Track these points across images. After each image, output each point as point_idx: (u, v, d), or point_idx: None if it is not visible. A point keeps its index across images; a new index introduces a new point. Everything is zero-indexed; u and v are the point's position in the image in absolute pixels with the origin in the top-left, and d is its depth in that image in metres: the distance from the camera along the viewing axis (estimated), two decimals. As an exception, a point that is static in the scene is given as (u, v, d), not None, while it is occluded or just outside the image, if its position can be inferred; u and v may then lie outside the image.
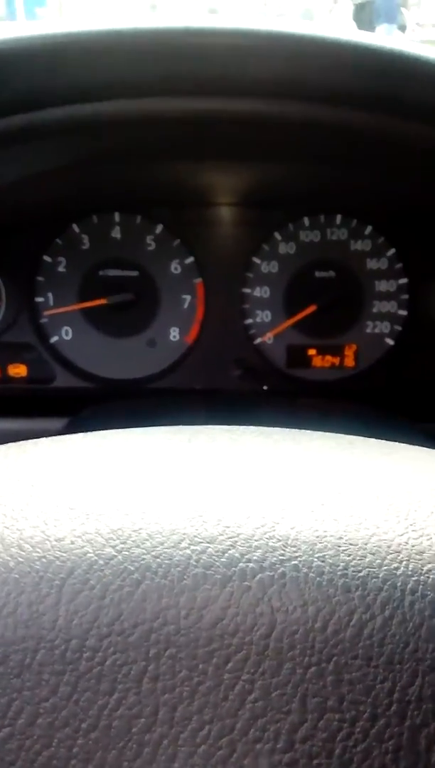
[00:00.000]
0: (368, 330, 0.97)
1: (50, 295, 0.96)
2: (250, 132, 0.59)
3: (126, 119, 0.53)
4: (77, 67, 0.50)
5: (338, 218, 0.95)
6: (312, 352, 0.98)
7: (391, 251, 0.95)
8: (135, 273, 0.96)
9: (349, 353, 0.98)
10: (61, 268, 0.96)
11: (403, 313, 0.97)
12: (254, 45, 0.50)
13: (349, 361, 0.98)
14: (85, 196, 0.90)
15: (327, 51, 0.50)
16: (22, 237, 0.94)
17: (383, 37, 0.52)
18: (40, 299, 0.96)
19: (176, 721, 0.24)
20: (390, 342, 0.97)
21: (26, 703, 0.25)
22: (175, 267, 0.96)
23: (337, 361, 0.98)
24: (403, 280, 0.96)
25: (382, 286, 0.96)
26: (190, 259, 0.96)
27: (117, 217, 0.95)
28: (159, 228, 0.95)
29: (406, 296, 0.96)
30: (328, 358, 0.98)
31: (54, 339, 0.98)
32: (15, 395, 0.98)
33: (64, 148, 0.61)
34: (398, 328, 0.97)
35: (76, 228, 0.95)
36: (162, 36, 0.50)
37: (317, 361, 0.98)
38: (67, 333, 0.98)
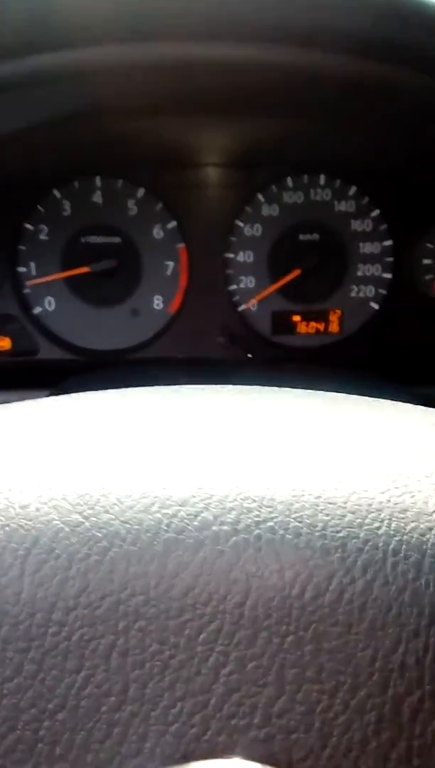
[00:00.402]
0: (353, 294, 0.96)
1: (32, 264, 0.95)
2: (234, 83, 0.57)
3: (106, 67, 0.51)
4: (55, 12, 0.48)
5: (322, 178, 0.93)
6: (296, 318, 0.97)
7: (376, 212, 0.94)
8: (117, 239, 0.95)
9: (334, 318, 0.97)
10: (42, 236, 0.94)
11: (388, 276, 0.96)
12: None
13: (334, 327, 0.97)
14: (65, 158, 0.88)
15: None
16: (2, 205, 0.92)
17: None
18: (22, 269, 0.95)
19: (147, 699, 0.23)
20: (375, 306, 0.96)
21: None
22: (157, 232, 0.95)
23: (321, 326, 0.97)
24: (388, 242, 0.95)
25: (367, 248, 0.95)
26: (172, 224, 0.95)
27: (98, 181, 0.93)
28: (141, 191, 0.94)
29: (390, 259, 0.95)
30: (313, 324, 0.97)
31: (37, 310, 0.96)
32: None
33: (42, 101, 0.59)
34: (383, 291, 0.96)
35: (57, 194, 0.93)
36: None
37: (302, 328, 0.97)
38: (50, 303, 0.96)
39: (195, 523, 0.25)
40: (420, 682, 0.23)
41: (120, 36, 0.48)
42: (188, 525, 0.25)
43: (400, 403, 0.35)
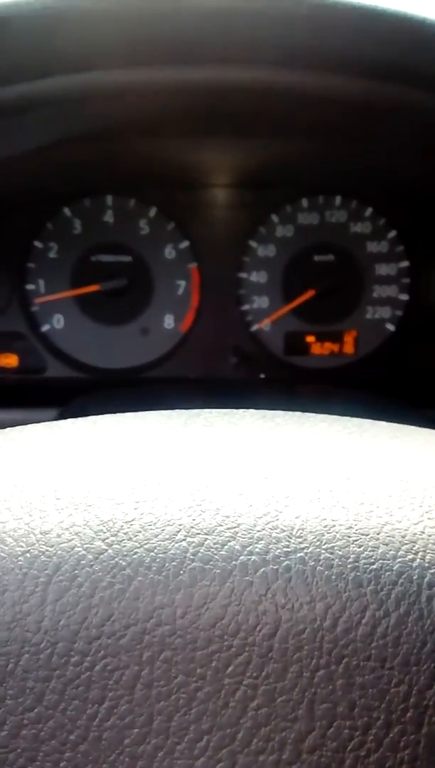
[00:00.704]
0: (368, 315, 0.96)
1: (41, 281, 0.95)
2: (247, 105, 0.57)
3: (118, 90, 0.52)
4: (69, 36, 0.48)
5: (338, 199, 0.93)
6: (310, 338, 0.97)
7: (392, 233, 0.94)
8: (128, 258, 0.95)
9: (349, 340, 0.96)
10: (52, 254, 0.94)
11: (405, 297, 0.96)
12: (252, 9, 0.48)
13: (349, 348, 0.97)
14: (76, 178, 0.88)
15: (328, 15, 0.48)
16: (12, 222, 0.93)
17: (390, 1, 0.50)
18: (30, 286, 0.95)
19: (172, 732, 0.23)
20: (391, 328, 0.96)
21: (9, 714, 0.23)
22: (169, 252, 0.95)
23: (336, 348, 0.97)
24: (405, 264, 0.95)
25: (383, 269, 0.95)
26: (184, 244, 0.95)
27: (109, 200, 0.94)
28: (153, 211, 0.94)
29: (407, 280, 0.95)
30: (327, 344, 0.97)
31: (45, 327, 0.96)
32: (5, 385, 0.97)
33: (55, 122, 0.59)
34: (399, 313, 0.96)
35: (67, 212, 0.94)
36: (155, 2, 0.47)
37: (316, 348, 0.97)
38: (58, 321, 0.96)
39: (222, 552, 0.24)
40: None
41: (134, 60, 0.49)
42: (215, 554, 0.24)
43: (427, 429, 0.35)
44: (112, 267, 0.94)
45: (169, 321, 0.97)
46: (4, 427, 0.36)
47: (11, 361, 0.96)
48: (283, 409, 0.39)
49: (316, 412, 0.38)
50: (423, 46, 0.49)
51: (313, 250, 0.94)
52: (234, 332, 0.96)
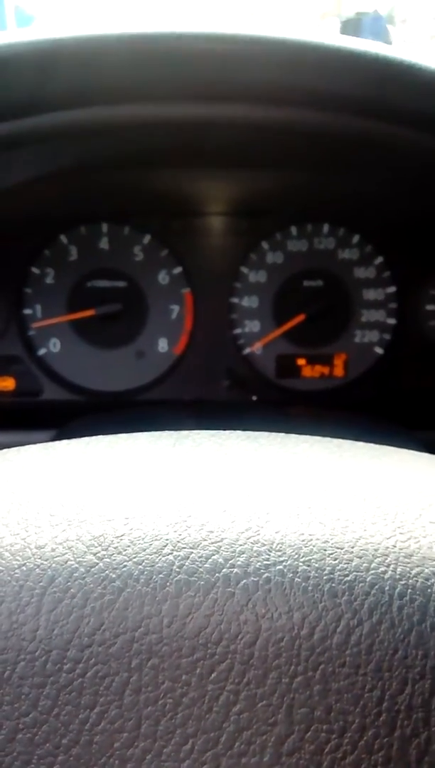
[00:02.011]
0: (357, 339, 0.98)
1: (38, 306, 0.96)
2: (238, 139, 0.59)
3: (114, 125, 0.53)
4: (65, 73, 0.50)
5: (326, 227, 0.95)
6: (301, 361, 0.98)
7: (379, 259, 0.96)
8: (123, 283, 0.96)
9: (339, 363, 0.98)
10: (49, 280, 0.96)
11: (392, 321, 0.97)
12: (244, 50, 0.50)
13: (339, 371, 0.98)
14: (73, 206, 0.90)
15: (316, 56, 0.50)
16: (10, 249, 0.94)
17: (372, 43, 0.52)
18: (28, 311, 0.96)
19: (159, 735, 0.24)
20: (379, 351, 0.98)
21: (5, 719, 0.24)
22: (163, 277, 0.97)
23: (326, 370, 0.98)
24: (392, 289, 0.97)
25: (371, 294, 0.97)
26: (178, 269, 0.96)
27: (105, 227, 0.95)
28: (147, 238, 0.96)
29: (394, 305, 0.97)
30: (318, 367, 0.98)
31: (42, 351, 0.97)
32: (2, 408, 0.97)
33: (50, 155, 0.61)
34: (387, 337, 0.97)
35: (64, 239, 0.95)
36: (150, 41, 0.50)
37: (307, 371, 0.98)
38: (55, 345, 0.97)
39: (206, 565, 0.26)
40: (426, 723, 0.24)
41: (130, 97, 0.51)
42: (199, 567, 0.26)
43: (405, 450, 0.36)
44: (107, 292, 0.96)
45: (163, 344, 0.98)
46: (2, 448, 0.37)
47: (8, 384, 0.97)
48: (274, 431, 0.40)
49: (305, 434, 0.40)
50: (403, 85, 0.51)
51: (303, 275, 0.96)
52: (226, 355, 0.98)
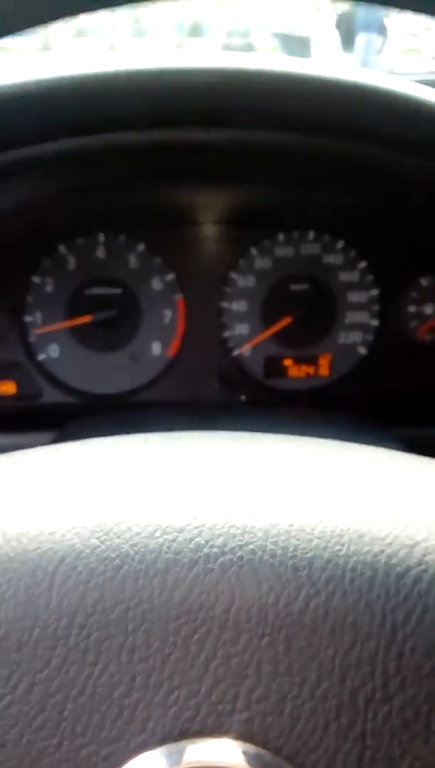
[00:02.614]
0: (342, 340, 1.01)
1: (38, 313, 0.99)
2: (228, 159, 0.64)
3: (108, 150, 0.58)
4: (70, 107, 0.54)
5: (311, 234, 0.99)
6: (288, 362, 1.02)
7: (363, 264, 0.99)
8: (118, 290, 0.99)
9: (324, 363, 1.02)
10: (48, 288, 0.99)
11: (375, 323, 1.01)
12: (232, 83, 0.54)
13: (324, 371, 1.02)
14: (71, 219, 0.93)
15: (296, 86, 0.55)
16: (11, 259, 0.97)
17: (346, 70, 0.56)
18: (28, 318, 1.00)
19: (150, 687, 0.28)
20: (363, 351, 1.01)
21: (24, 674, 0.28)
22: (156, 284, 1.00)
23: (312, 370, 1.02)
24: (375, 292, 1.00)
25: (355, 297, 1.00)
26: (170, 276, 1.00)
27: (101, 237, 0.98)
28: (141, 247, 0.99)
29: (377, 307, 1.00)
30: (304, 367, 1.02)
31: (42, 356, 1.00)
32: (3, 411, 1.01)
33: (49, 178, 0.66)
34: (370, 338, 1.01)
35: (62, 249, 0.98)
36: (141, 76, 0.54)
37: (293, 371, 1.02)
38: (54, 350, 1.00)
39: (190, 546, 0.30)
40: (372, 676, 0.28)
41: (125, 125, 0.55)
42: (184, 548, 0.30)
43: (368, 447, 0.41)
44: (103, 299, 0.99)
45: (156, 348, 1.01)
46: (4, 450, 0.42)
47: (9, 388, 1.00)
48: (260, 430, 0.45)
49: (286, 433, 0.44)
50: (374, 109, 0.55)
51: (290, 280, 0.99)
52: (217, 357, 1.01)
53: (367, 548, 0.30)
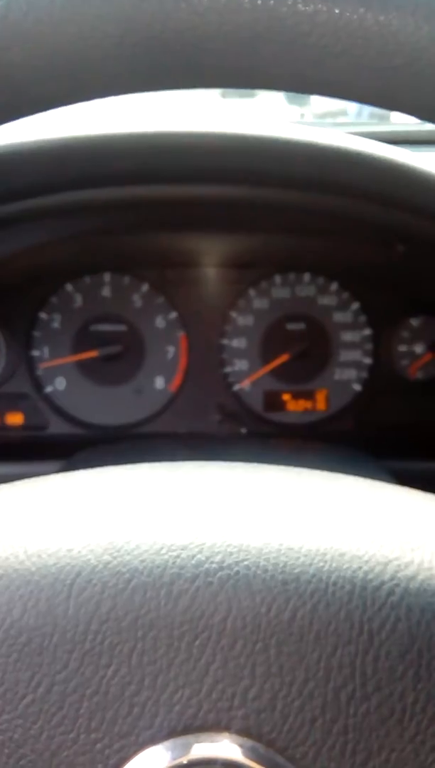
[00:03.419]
0: (337, 376, 1.05)
1: (45, 348, 1.03)
2: (230, 210, 0.68)
3: (116, 202, 0.62)
4: (77, 163, 0.59)
5: (307, 276, 1.03)
6: (286, 396, 1.05)
7: (356, 305, 1.03)
8: (123, 327, 1.03)
9: (321, 398, 1.05)
10: (55, 324, 1.03)
11: (368, 361, 1.04)
12: (226, 145, 0.59)
13: (321, 405, 1.05)
14: (78, 262, 0.97)
15: (282, 148, 0.60)
16: (20, 296, 1.01)
17: (326, 133, 0.61)
18: (36, 353, 1.03)
19: (157, 687, 0.31)
20: (357, 387, 1.05)
21: (45, 676, 0.31)
22: (159, 322, 1.04)
23: (309, 405, 1.05)
24: (367, 331, 1.04)
25: (348, 336, 1.04)
26: (173, 315, 1.04)
27: (107, 277, 1.02)
28: (145, 287, 1.03)
29: (370, 346, 1.04)
30: (302, 402, 1.05)
31: (48, 389, 1.04)
32: (11, 442, 1.03)
33: (60, 225, 0.70)
34: (364, 374, 1.05)
35: (69, 287, 1.02)
36: (147, 139, 0.59)
37: (292, 405, 1.05)
38: (60, 383, 1.04)
39: (192, 562, 0.34)
40: (352, 677, 0.31)
41: (128, 180, 0.60)
42: (187, 563, 0.33)
43: (355, 477, 0.45)
44: (108, 335, 1.03)
45: (160, 382, 1.05)
46: (13, 480, 0.45)
47: (17, 419, 1.04)
48: (258, 461, 0.49)
49: (282, 464, 0.48)
50: (351, 168, 0.60)
51: (286, 319, 1.04)
52: (218, 391, 1.05)
53: (347, 565, 0.34)
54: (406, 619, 0.32)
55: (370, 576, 0.33)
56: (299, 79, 0.27)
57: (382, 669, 0.31)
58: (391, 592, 0.33)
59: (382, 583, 0.33)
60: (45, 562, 0.34)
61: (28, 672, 0.32)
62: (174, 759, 0.31)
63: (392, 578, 0.33)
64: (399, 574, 0.33)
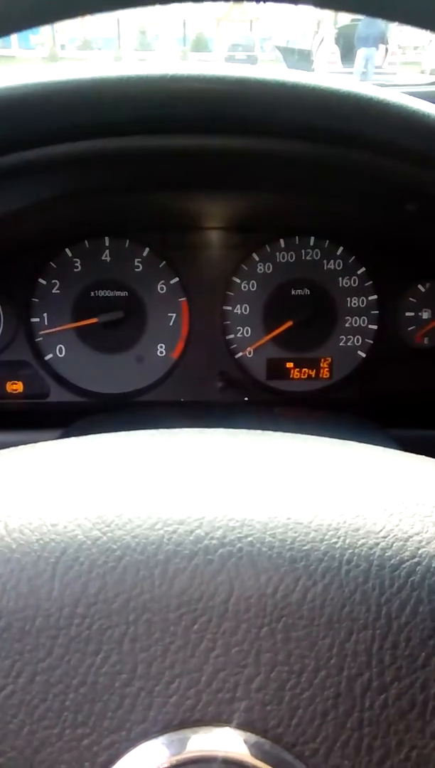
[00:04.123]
0: (341, 343, 1.03)
1: (45, 315, 1.01)
2: (231, 167, 0.65)
3: (116, 155, 0.59)
4: (73, 110, 0.55)
5: (311, 240, 1.00)
6: (290, 364, 1.03)
7: (361, 270, 1.01)
8: (124, 293, 1.02)
9: (325, 365, 1.03)
10: (55, 290, 1.01)
11: (373, 327, 1.02)
12: (236, 91, 0.55)
13: (325, 373, 1.04)
14: (77, 224, 0.95)
15: (292, 94, 0.56)
16: (19, 262, 0.99)
17: (344, 81, 0.58)
18: (35, 320, 1.02)
19: (152, 676, 0.29)
20: (362, 354, 1.03)
21: (26, 664, 0.29)
22: (161, 287, 1.02)
23: (313, 372, 1.04)
24: (373, 297, 1.02)
25: (353, 302, 1.02)
26: (175, 280, 1.02)
27: (107, 241, 1.00)
28: (146, 251, 1.01)
29: (375, 312, 1.02)
30: (305, 370, 1.04)
31: (48, 356, 1.02)
32: (12, 410, 1.03)
33: (57, 181, 0.67)
34: (369, 341, 1.03)
35: (68, 252, 1.00)
36: (148, 82, 0.55)
37: (295, 373, 1.04)
38: (60, 351, 1.03)
39: (190, 537, 0.31)
40: (368, 665, 0.29)
41: (128, 130, 0.56)
42: (185, 539, 0.31)
43: (364, 445, 0.42)
44: (109, 301, 1.01)
45: (161, 349, 1.03)
46: (12, 446, 0.43)
47: (17, 387, 1.03)
48: (261, 429, 0.46)
49: (286, 432, 0.45)
50: (368, 117, 0.56)
51: (291, 285, 1.01)
52: (220, 359, 1.03)
53: (362, 541, 0.31)
54: (429, 601, 0.29)
55: (389, 553, 0.30)
56: None
57: (402, 657, 0.29)
58: (411, 572, 0.30)
59: (402, 561, 0.30)
60: (27, 539, 0.31)
61: (7, 660, 0.29)
62: (169, 756, 0.28)
63: (413, 556, 0.30)
64: (420, 551, 0.30)
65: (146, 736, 0.29)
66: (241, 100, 0.55)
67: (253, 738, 0.29)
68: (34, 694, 0.29)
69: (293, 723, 0.29)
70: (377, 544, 0.31)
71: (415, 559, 0.30)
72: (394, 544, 0.31)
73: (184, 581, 0.30)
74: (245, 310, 1.03)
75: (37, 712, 0.29)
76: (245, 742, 0.29)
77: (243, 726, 0.29)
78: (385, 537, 0.31)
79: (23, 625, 0.29)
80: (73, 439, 0.41)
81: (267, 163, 0.63)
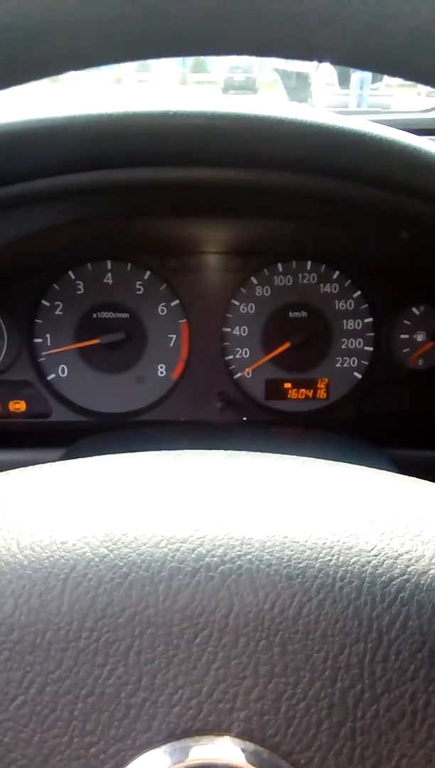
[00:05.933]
0: (338, 365, 1.05)
1: (48, 336, 1.03)
2: (232, 196, 0.67)
3: (120, 185, 0.61)
4: (78, 144, 0.57)
5: (308, 264, 1.02)
6: (288, 385, 1.05)
7: (357, 293, 1.03)
8: (125, 315, 1.03)
9: (322, 386, 1.05)
10: (58, 312, 1.03)
11: (369, 349, 1.04)
12: (233, 127, 0.58)
13: (322, 393, 1.05)
14: (80, 248, 0.97)
15: (289, 130, 0.58)
16: (23, 283, 1.01)
17: (330, 115, 0.60)
18: (38, 340, 1.03)
19: (156, 687, 0.30)
20: (358, 375, 1.05)
21: (37, 675, 0.30)
22: (161, 309, 1.04)
23: (310, 393, 1.05)
24: (368, 320, 1.04)
25: (350, 324, 1.04)
26: (175, 302, 1.03)
27: (109, 264, 1.02)
28: (147, 274, 1.02)
29: (371, 334, 1.04)
30: (303, 390, 1.05)
31: (51, 376, 1.04)
32: (14, 429, 1.04)
33: (63, 209, 0.69)
34: (365, 363, 1.04)
35: (72, 275, 1.02)
36: (151, 118, 0.57)
37: (293, 394, 1.05)
38: (63, 371, 1.04)
39: (192, 555, 0.32)
40: (360, 677, 0.30)
41: (131, 162, 0.58)
42: (187, 557, 0.32)
43: (358, 466, 0.43)
44: (111, 323, 1.03)
45: (161, 370, 1.05)
46: (15, 467, 0.44)
47: (20, 406, 1.04)
48: (259, 450, 0.47)
49: (284, 453, 0.47)
50: (358, 151, 0.59)
51: (288, 307, 1.03)
52: (219, 379, 1.05)
53: (354, 559, 0.33)
54: (417, 617, 0.31)
55: (380, 570, 0.32)
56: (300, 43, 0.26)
57: (392, 669, 0.30)
58: (401, 588, 0.31)
59: (392, 578, 0.32)
60: (38, 556, 0.32)
61: (19, 671, 0.30)
62: (172, 764, 0.30)
63: (403, 573, 0.32)
64: (410, 569, 0.32)
65: (150, 744, 0.30)
66: (241, 136, 0.57)
67: (251, 747, 0.30)
68: (44, 704, 0.30)
69: (290, 732, 0.30)
70: (369, 561, 0.32)
71: (405, 576, 0.32)
72: (385, 562, 0.32)
73: (187, 597, 0.31)
74: (244, 332, 1.05)
75: (47, 721, 0.30)
76: (244, 750, 0.30)
77: (242, 735, 0.30)
78: (376, 555, 0.33)
79: (34, 638, 0.30)
80: (80, 459, 0.42)
81: (266, 194, 0.66)
